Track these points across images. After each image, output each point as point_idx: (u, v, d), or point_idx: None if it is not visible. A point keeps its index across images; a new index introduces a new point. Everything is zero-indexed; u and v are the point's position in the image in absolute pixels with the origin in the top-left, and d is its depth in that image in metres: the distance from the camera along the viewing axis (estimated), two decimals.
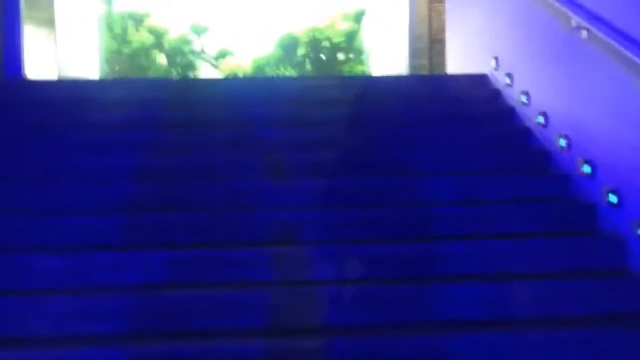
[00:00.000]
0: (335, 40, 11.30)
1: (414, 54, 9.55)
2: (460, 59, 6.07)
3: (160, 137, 4.29)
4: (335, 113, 4.56)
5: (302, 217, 3.49)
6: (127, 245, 3.28)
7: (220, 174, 3.93)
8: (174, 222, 3.45)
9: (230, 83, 5.77)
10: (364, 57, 11.20)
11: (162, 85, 5.49)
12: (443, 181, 3.82)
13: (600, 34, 3.47)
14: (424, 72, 9.54)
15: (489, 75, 5.24)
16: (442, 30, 9.59)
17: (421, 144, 4.25)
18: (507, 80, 4.87)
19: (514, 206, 3.64)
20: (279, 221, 3.46)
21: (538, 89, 4.37)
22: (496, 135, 4.42)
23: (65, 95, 4.99)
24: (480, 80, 5.25)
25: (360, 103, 4.84)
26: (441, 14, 9.62)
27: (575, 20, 3.72)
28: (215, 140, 4.24)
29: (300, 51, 11.33)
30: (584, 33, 3.63)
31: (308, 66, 11.39)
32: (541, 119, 4.24)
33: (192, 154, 4.15)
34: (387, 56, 10.16)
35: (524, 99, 4.53)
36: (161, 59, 11.26)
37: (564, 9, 3.83)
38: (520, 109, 4.61)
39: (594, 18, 3.56)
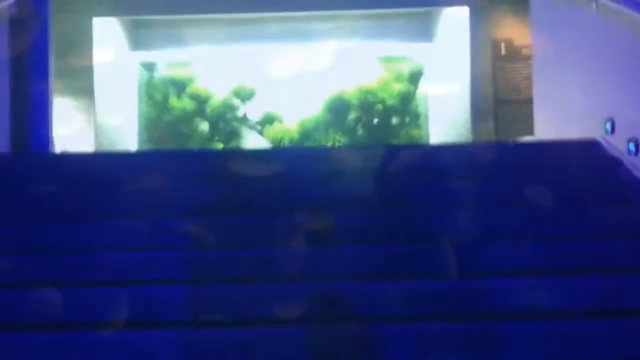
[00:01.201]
0: (389, 102, 10.44)
1: (477, 116, 8.74)
2: (554, 121, 5.14)
3: (204, 223, 3.46)
4: (422, 192, 3.68)
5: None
6: None
7: (279, 273, 3.07)
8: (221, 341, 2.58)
9: (281, 154, 4.97)
10: (420, 120, 10.35)
11: (204, 158, 4.76)
12: (566, 285, 2.90)
13: None
14: (489, 136, 8.71)
15: (602, 140, 4.28)
16: (509, 91, 8.79)
17: (533, 231, 3.33)
18: (632, 147, 3.91)
19: None
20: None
21: None
22: (630, 219, 3.43)
23: (92, 173, 4.25)
24: (590, 147, 4.29)
25: (445, 177, 3.93)
26: (509, 73, 8.81)
27: None
28: (273, 229, 3.39)
29: (351, 114, 10.48)
30: None
31: (360, 131, 10.54)
32: None
33: (243, 246, 3.31)
34: (446, 119, 9.36)
35: None
36: (203, 126, 10.54)
37: None
38: None
39: None
